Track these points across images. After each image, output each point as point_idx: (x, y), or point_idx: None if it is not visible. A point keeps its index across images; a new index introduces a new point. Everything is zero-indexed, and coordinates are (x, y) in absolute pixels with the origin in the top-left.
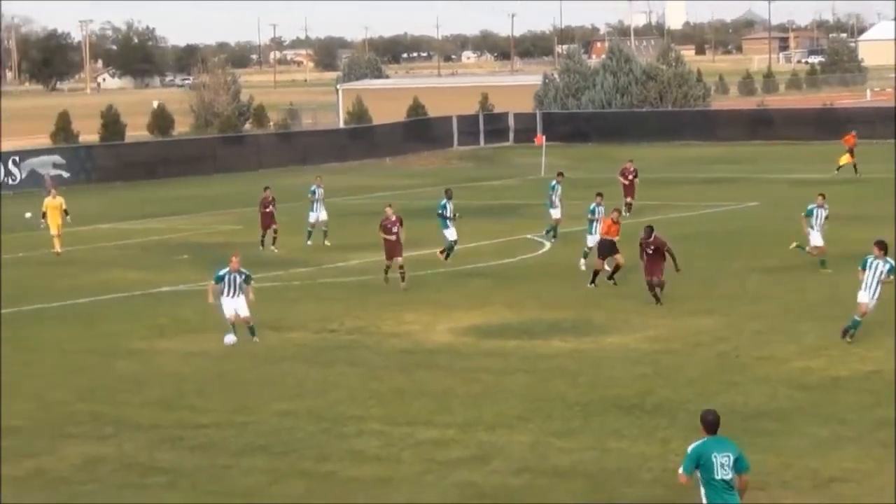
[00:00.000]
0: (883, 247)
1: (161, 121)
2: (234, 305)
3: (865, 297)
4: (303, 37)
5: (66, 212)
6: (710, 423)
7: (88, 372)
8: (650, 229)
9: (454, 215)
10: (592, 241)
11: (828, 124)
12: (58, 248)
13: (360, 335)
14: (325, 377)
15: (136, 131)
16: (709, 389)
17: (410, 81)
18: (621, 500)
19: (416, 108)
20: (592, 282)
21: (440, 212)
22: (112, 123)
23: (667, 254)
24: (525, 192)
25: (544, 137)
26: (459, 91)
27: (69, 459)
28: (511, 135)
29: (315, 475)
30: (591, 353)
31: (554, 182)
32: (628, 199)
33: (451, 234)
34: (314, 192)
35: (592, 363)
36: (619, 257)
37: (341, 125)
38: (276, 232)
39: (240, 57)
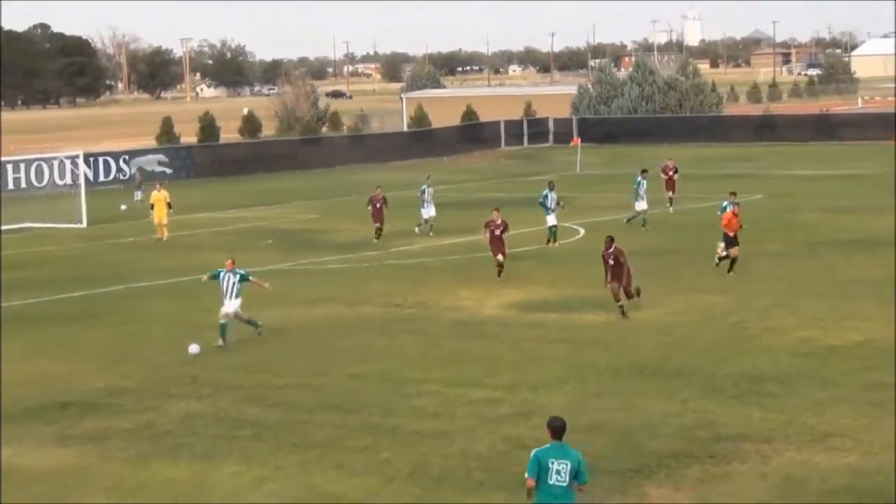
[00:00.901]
0: None
1: (250, 125)
2: (230, 308)
3: None
4: (372, 52)
5: (169, 204)
6: (555, 430)
7: (188, 340)
8: (611, 240)
9: (559, 204)
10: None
11: (824, 128)
12: (162, 236)
13: (420, 309)
14: (390, 345)
15: (229, 134)
16: (720, 356)
17: (464, 91)
18: (645, 452)
19: (469, 114)
20: (717, 264)
21: (541, 201)
22: (208, 127)
23: (622, 258)
24: (563, 186)
25: (579, 139)
26: (506, 99)
27: (172, 415)
28: (551, 137)
29: (381, 429)
30: (620, 325)
31: (639, 178)
32: (670, 194)
33: (550, 220)
34: (424, 192)
35: (621, 334)
36: (735, 250)
37: (405, 129)
38: (380, 227)
39: (317, 70)
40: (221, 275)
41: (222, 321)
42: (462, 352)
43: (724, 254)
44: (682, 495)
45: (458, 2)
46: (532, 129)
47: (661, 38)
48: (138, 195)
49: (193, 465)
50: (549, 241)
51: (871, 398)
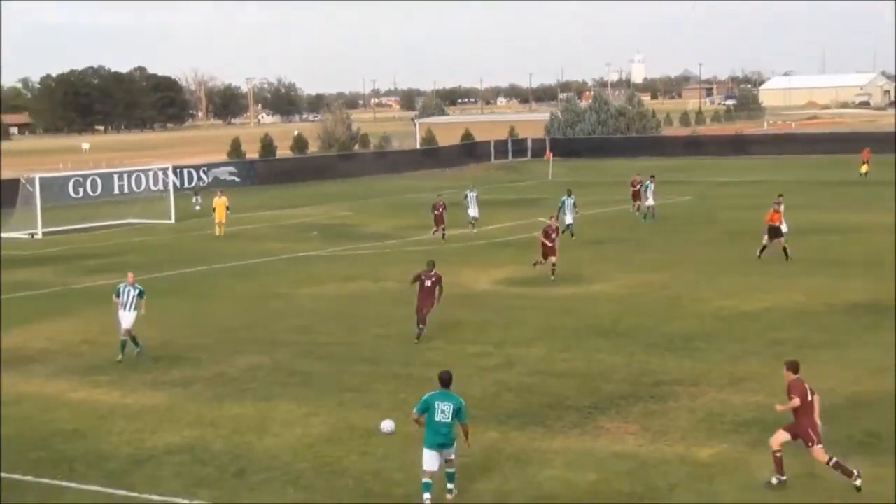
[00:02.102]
0: None
1: (299, 144)
2: (127, 319)
3: None
4: (392, 88)
5: (227, 208)
6: (443, 380)
7: (250, 309)
8: (432, 264)
9: (575, 207)
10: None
11: (738, 146)
12: (218, 233)
13: None
14: (407, 312)
15: (283, 151)
16: (659, 320)
17: (463, 118)
18: (601, 393)
19: (467, 135)
20: (759, 255)
21: (560, 205)
22: (267, 145)
23: (438, 287)
24: (538, 190)
25: (551, 154)
26: (495, 124)
27: (239, 366)
28: (529, 152)
29: (401, 376)
30: (582, 296)
31: (648, 182)
32: (637, 204)
33: (566, 219)
34: (467, 197)
35: (583, 303)
36: (782, 240)
37: (418, 147)
38: (444, 229)
39: (351, 101)
40: (122, 288)
41: (123, 338)
42: (461, 317)
43: (765, 245)
44: (630, 426)
45: (460, 48)
46: (515, 146)
47: (614, 77)
48: (198, 199)
49: (256, 404)
50: (571, 234)
51: (774, 352)
